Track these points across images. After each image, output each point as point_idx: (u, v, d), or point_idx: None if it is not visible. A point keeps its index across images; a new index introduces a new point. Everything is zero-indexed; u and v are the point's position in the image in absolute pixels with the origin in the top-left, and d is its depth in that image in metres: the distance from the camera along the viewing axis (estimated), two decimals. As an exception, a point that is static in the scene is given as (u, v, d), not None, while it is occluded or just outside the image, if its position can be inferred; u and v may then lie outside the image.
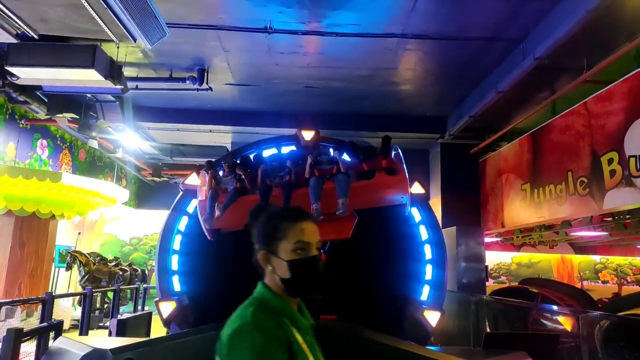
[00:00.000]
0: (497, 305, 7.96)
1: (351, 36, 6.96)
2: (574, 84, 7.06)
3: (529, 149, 9.12)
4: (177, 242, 5.01)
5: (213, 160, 5.10)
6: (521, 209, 9.37)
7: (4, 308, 7.57)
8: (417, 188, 5.14)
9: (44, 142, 10.52)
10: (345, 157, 5.10)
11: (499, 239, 15.26)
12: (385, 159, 4.96)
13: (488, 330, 8.17)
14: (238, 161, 5.00)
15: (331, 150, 5.32)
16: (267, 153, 5.54)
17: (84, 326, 7.11)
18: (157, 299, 4.74)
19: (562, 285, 8.96)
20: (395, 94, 9.28)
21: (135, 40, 6.17)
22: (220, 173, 4.91)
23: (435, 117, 10.49)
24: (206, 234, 4.57)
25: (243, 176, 4.68)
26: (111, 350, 2.30)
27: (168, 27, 5.98)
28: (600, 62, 6.39)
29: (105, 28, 6.11)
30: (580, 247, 17.66)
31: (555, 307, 7.22)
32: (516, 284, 13.34)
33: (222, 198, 4.54)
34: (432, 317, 4.72)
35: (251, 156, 5.27)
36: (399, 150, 4.87)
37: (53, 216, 10.13)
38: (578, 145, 7.43)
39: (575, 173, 7.44)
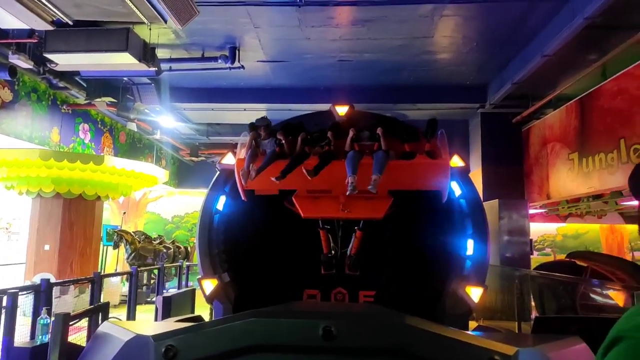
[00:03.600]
0: (542, 280, 7.70)
1: (384, 4, 6.68)
2: (628, 42, 6.53)
3: (576, 116, 8.63)
4: (216, 221, 5.07)
5: (254, 122, 5.06)
6: (568, 179, 8.94)
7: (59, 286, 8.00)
8: (456, 161, 4.95)
9: (86, 126, 10.82)
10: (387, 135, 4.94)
11: (543, 210, 14.74)
12: (429, 142, 4.77)
13: (533, 305, 7.94)
14: (281, 126, 4.97)
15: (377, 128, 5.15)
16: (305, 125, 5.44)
17: (131, 303, 7.38)
18: (200, 276, 4.83)
19: (614, 259, 8.54)
20: (432, 63, 8.93)
21: (166, 21, 6.13)
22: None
23: (475, 86, 10.05)
24: (241, 193, 4.59)
25: (283, 141, 4.65)
26: (153, 336, 2.33)
27: (198, 5, 5.90)
28: (659, 18, 5.88)
29: (136, 10, 6.08)
30: (632, 217, 16.82)
31: (605, 283, 6.90)
32: (562, 256, 12.91)
33: (260, 160, 4.54)
34: (474, 293, 4.60)
35: (292, 124, 5.21)
36: (444, 134, 4.67)
37: (98, 197, 10.51)
38: (632, 111, 6.94)
39: (629, 140, 6.98)
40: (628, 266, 7.91)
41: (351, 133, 4.61)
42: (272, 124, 4.97)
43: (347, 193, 4.09)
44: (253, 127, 4.86)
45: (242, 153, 4.65)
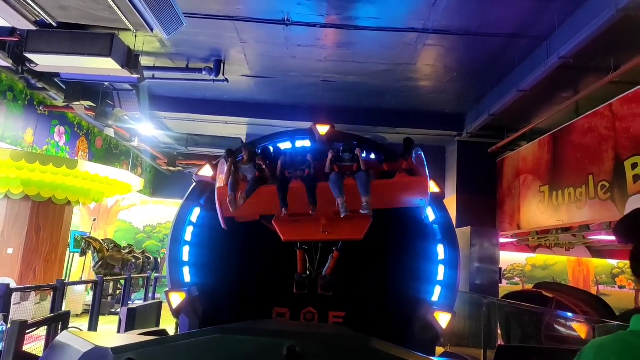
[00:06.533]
0: (510, 308, 7.82)
1: (370, 30, 6.83)
2: (599, 84, 6.83)
3: (549, 150, 8.90)
4: (188, 233, 4.99)
5: (233, 149, 5.04)
6: (538, 211, 9.16)
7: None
8: (432, 187, 5.04)
9: (62, 128, 10.61)
10: (365, 155, 5.00)
11: (514, 239, 15.03)
12: (406, 160, 4.85)
13: (499, 332, 8.03)
14: (259, 151, 4.96)
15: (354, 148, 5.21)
16: (283, 146, 5.46)
17: (94, 314, 7.16)
18: (167, 289, 4.74)
19: (578, 292, 8.77)
20: (414, 90, 9.12)
21: (152, 30, 6.13)
22: (242, 159, 4.85)
23: (453, 115, 10.29)
24: (221, 222, 4.53)
25: (263, 166, 4.64)
26: (113, 349, 2.26)
27: (185, 17, 5.93)
28: (628, 62, 6.16)
29: (123, 17, 6.07)
30: (598, 251, 17.29)
31: (570, 314, 7.05)
32: (530, 286, 13.16)
33: (242, 186, 4.49)
34: (443, 319, 4.63)
35: (271, 148, 5.21)
36: (421, 152, 4.76)
37: (69, 202, 10.24)
38: (601, 148, 7.20)
39: (597, 177, 7.22)
40: (592, 299, 8.12)
41: (330, 155, 4.63)
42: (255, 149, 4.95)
43: (342, 215, 4.10)
44: (230, 153, 4.81)
45: (222, 180, 4.60)
